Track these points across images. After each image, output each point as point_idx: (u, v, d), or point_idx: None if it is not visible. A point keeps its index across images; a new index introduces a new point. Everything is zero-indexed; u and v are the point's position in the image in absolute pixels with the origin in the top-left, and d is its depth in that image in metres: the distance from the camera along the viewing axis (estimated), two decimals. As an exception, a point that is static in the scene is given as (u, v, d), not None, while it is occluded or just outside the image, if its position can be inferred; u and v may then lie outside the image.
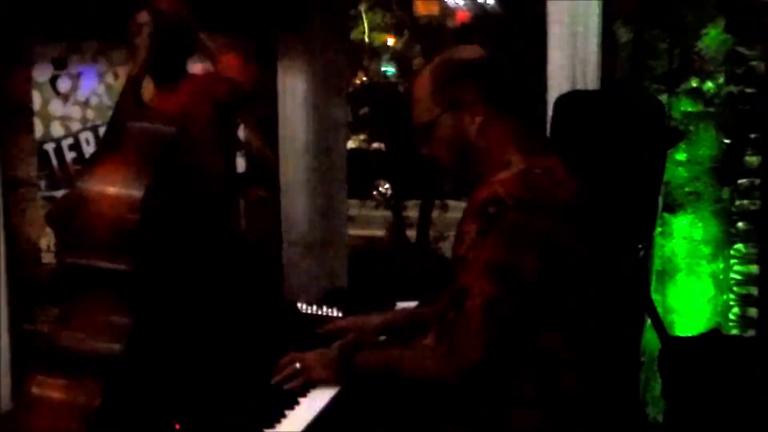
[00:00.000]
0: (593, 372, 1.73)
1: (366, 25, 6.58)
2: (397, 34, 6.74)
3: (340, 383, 1.90)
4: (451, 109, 1.79)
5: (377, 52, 6.83)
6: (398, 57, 6.85)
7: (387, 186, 6.75)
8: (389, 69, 7.17)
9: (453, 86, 1.79)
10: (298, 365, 1.93)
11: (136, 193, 1.79)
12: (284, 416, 1.81)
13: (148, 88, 2.34)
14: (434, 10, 7.13)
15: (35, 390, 1.76)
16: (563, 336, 1.68)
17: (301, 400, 1.88)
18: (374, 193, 6.73)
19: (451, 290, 1.68)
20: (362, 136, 7.01)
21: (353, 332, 2.19)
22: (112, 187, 1.81)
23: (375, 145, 7.00)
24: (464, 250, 1.67)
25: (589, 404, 1.71)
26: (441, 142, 1.81)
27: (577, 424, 1.70)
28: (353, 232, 5.99)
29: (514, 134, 1.78)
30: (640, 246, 2.81)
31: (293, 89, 3.73)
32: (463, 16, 7.08)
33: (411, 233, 6.43)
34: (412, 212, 6.49)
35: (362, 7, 6.49)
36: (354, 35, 6.44)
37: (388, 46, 6.88)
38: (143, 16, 2.05)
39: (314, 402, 1.88)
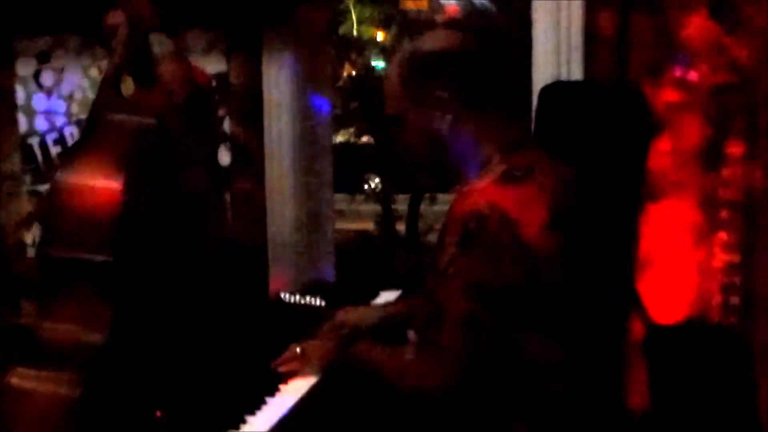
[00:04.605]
0: (581, 374, 1.69)
1: (354, 18, 6.57)
2: (386, 28, 6.72)
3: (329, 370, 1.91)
4: (419, 104, 1.72)
5: (366, 46, 6.81)
6: (387, 51, 6.84)
7: (376, 180, 6.75)
8: (378, 63, 7.15)
9: (421, 81, 1.72)
10: (298, 350, 1.96)
11: (115, 184, 1.79)
12: (265, 403, 1.83)
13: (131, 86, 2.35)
14: (423, 4, 7.10)
15: (16, 381, 1.76)
16: (549, 342, 1.63)
17: (282, 387, 1.90)
18: (364, 187, 6.73)
19: (430, 304, 1.64)
20: (351, 130, 7.01)
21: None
22: (91, 179, 1.81)
23: (364, 139, 7.00)
24: (445, 264, 1.61)
25: (578, 409, 1.68)
26: (412, 136, 1.76)
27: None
28: (342, 226, 5.99)
29: (490, 130, 1.72)
30: (624, 235, 2.82)
31: (279, 82, 3.72)
32: (452, 9, 7.07)
33: (400, 227, 6.43)
34: (402, 206, 6.49)
35: (350, 1, 6.48)
36: (342, 29, 6.43)
37: (377, 40, 6.86)
38: (115, 17, 2.04)
39: (295, 389, 1.90)
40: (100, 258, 1.77)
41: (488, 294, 1.56)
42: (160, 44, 2.02)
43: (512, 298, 1.57)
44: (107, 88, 1.99)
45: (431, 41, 1.77)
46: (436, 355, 1.59)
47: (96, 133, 1.94)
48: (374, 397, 1.84)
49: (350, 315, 2.19)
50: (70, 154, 2.03)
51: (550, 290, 1.61)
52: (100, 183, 1.80)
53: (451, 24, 1.84)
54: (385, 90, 1.79)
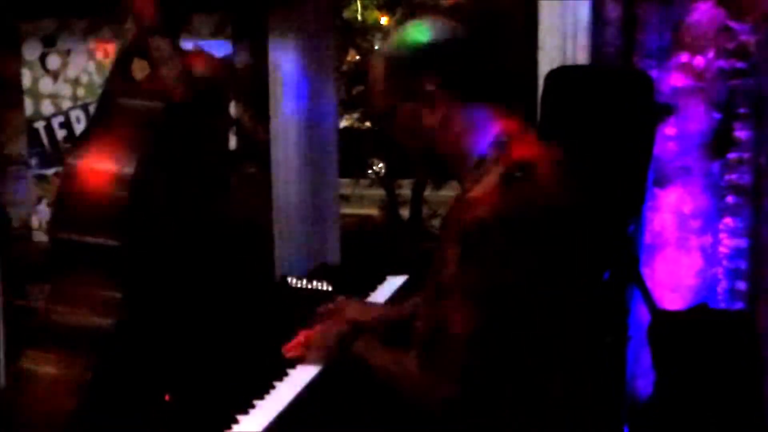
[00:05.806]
0: (582, 375, 1.65)
1: (359, 3, 6.54)
2: (390, 12, 6.70)
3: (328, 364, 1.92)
4: (408, 99, 1.63)
5: (370, 30, 6.79)
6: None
7: (380, 165, 6.74)
8: (382, 47, 7.11)
9: (409, 75, 1.62)
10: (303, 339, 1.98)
11: (127, 169, 1.80)
12: (273, 387, 1.84)
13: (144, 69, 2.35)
14: (428, -12, 7.07)
15: (27, 364, 1.78)
16: (551, 345, 1.58)
17: (291, 372, 1.91)
18: (368, 171, 6.72)
19: (433, 318, 1.57)
20: (355, 115, 6.99)
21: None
22: (102, 164, 1.82)
23: (368, 123, 6.98)
24: (447, 277, 1.53)
25: (579, 409, 1.64)
26: (402, 132, 1.68)
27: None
28: (347, 210, 5.99)
29: (485, 125, 1.61)
30: (629, 221, 2.82)
31: (284, 67, 3.72)
32: (458, -7, 7.03)
33: (404, 212, 6.43)
34: (406, 191, 6.49)
35: (355, -15, 6.46)
36: (347, 13, 6.41)
37: (381, 24, 6.84)
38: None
39: (304, 374, 1.91)
40: (110, 242, 1.78)
41: (492, 305, 1.51)
42: (157, 49, 2.01)
43: (516, 305, 1.52)
44: (118, 71, 1.99)
45: (417, 31, 1.65)
46: (439, 372, 1.54)
47: (107, 117, 1.95)
48: (377, 388, 1.84)
49: (353, 309, 2.15)
50: (82, 138, 2.03)
51: (554, 290, 1.56)
52: (110, 167, 1.81)
53: (455, 9, 1.78)
54: (370, 86, 1.70)
